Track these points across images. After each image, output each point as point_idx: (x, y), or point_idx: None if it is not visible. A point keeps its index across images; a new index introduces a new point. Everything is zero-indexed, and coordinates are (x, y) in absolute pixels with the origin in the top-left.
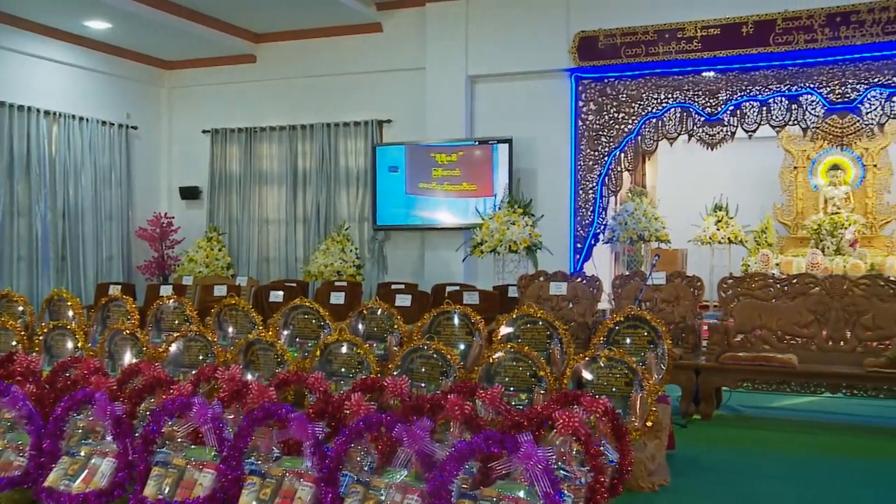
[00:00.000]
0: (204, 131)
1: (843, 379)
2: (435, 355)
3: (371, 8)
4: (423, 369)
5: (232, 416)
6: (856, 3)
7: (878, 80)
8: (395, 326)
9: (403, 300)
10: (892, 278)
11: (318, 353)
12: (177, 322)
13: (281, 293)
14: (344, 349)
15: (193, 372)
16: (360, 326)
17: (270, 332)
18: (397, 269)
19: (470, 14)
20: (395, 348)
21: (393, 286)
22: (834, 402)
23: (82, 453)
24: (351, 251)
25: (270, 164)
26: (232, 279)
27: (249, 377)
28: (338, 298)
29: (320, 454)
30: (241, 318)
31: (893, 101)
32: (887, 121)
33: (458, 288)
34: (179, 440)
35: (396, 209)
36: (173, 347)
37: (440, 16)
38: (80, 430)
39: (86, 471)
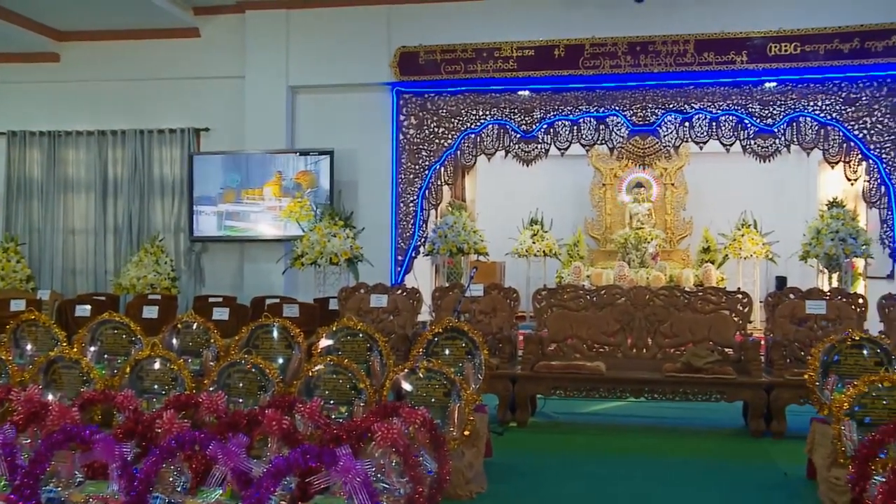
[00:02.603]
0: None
1: (646, 384)
2: (253, 370)
3: (188, 12)
4: (241, 384)
5: (29, 441)
6: (652, 35)
7: (673, 106)
8: (212, 341)
9: (221, 313)
10: (687, 289)
11: (128, 369)
12: None
13: (88, 307)
14: (157, 365)
15: None
16: (174, 341)
17: (75, 349)
18: (215, 282)
19: (291, 24)
20: (211, 363)
21: (210, 299)
22: (638, 405)
23: None
24: (166, 263)
25: (77, 170)
26: (32, 293)
27: (50, 398)
28: (151, 312)
29: (128, 476)
30: (41, 334)
31: (686, 126)
32: (681, 143)
33: (277, 300)
34: None
35: (214, 220)
36: None
37: (260, 24)
38: None
39: None
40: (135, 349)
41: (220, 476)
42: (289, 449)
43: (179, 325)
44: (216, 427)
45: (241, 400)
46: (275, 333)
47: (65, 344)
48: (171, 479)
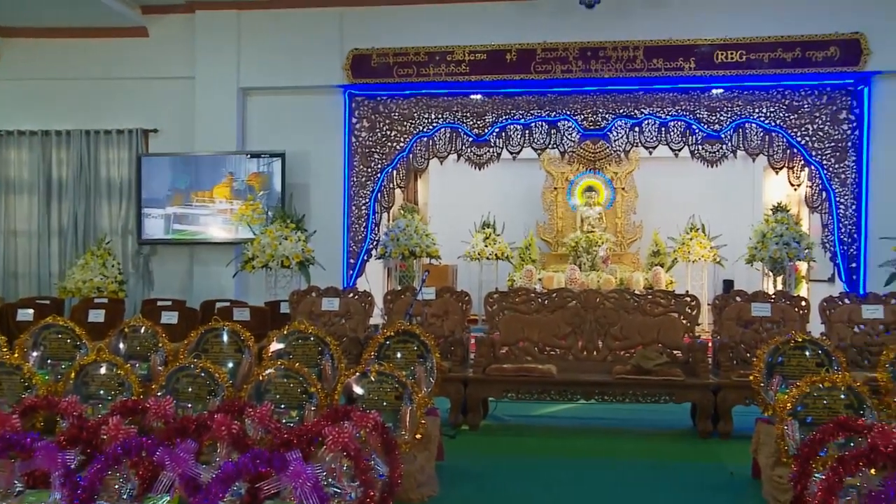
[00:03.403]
0: None
1: (596, 386)
2: (202, 374)
3: (135, 11)
4: (190, 389)
5: None
6: (603, 40)
7: (623, 112)
8: (160, 345)
9: (170, 317)
10: (637, 292)
11: (72, 375)
12: None
13: (31, 311)
14: (103, 370)
15: None
16: (121, 346)
17: (16, 354)
18: (164, 285)
19: (242, 25)
20: (159, 368)
21: (159, 303)
22: (589, 407)
23: None
24: (113, 266)
25: (19, 171)
26: None
27: None
28: (97, 316)
29: (71, 484)
30: None
31: (636, 131)
32: (631, 148)
33: (228, 304)
34: None
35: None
36: None
37: (210, 24)
38: None
39: None
40: (80, 354)
41: (168, 482)
42: (238, 454)
43: (127, 330)
44: (164, 433)
45: (189, 405)
46: (225, 337)
47: (5, 349)
48: (116, 486)
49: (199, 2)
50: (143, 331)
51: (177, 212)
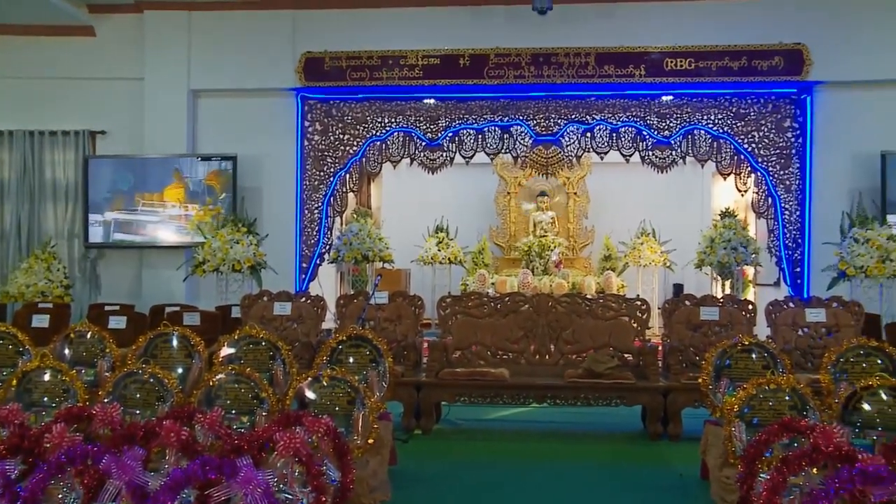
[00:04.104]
0: None
1: (548, 390)
2: (151, 380)
3: (82, 9)
4: (138, 395)
5: None
6: (555, 46)
7: (575, 117)
8: (107, 350)
9: (118, 322)
10: (588, 296)
11: (14, 382)
12: None
13: None
14: (47, 377)
15: None
16: (66, 351)
17: None
18: (112, 290)
19: (192, 26)
20: (106, 374)
21: (106, 307)
22: (541, 411)
23: None
24: (58, 270)
25: None
26: None
27: None
28: (41, 321)
29: (11, 495)
30: None
31: (588, 137)
32: (583, 153)
33: (178, 309)
34: None
35: (110, 225)
36: None
37: (159, 25)
38: None
39: None
40: (22, 360)
41: (115, 491)
42: (188, 461)
43: (72, 335)
44: (111, 440)
45: (138, 411)
46: (174, 342)
47: None
48: (60, 496)
49: (147, 2)
50: (89, 336)
51: (125, 215)
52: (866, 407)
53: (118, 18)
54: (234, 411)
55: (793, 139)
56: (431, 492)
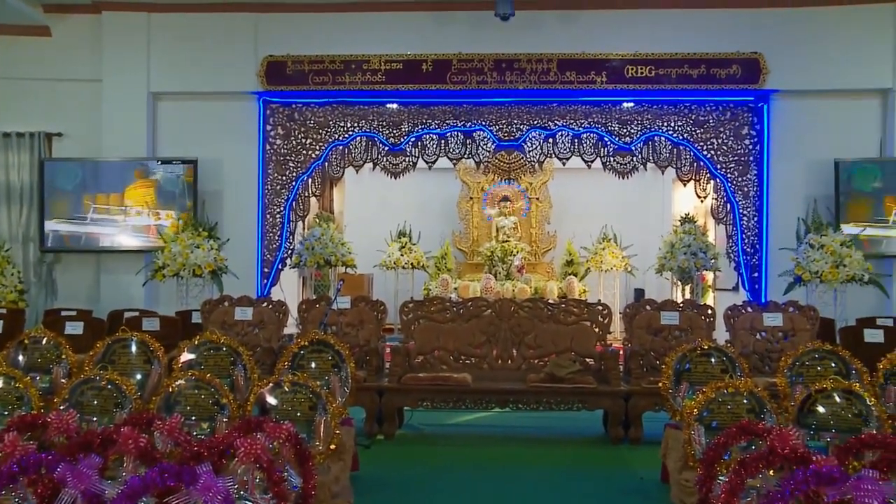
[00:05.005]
0: None
1: (510, 394)
2: (108, 386)
3: (36, 9)
4: (96, 402)
5: None
6: (517, 52)
7: (538, 123)
8: (64, 356)
9: (74, 328)
10: (550, 301)
11: None
12: None
13: None
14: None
15: None
16: (20, 357)
17: None
18: (69, 295)
19: (152, 27)
20: (62, 380)
21: (63, 313)
22: (503, 416)
23: None
24: (12, 275)
25: None
26: None
27: None
28: None
29: None
30: None
31: (550, 142)
32: (546, 159)
33: (137, 314)
34: None
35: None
36: None
37: (118, 26)
38: None
39: None
40: None
41: (70, 500)
42: (146, 468)
43: (27, 341)
44: (66, 448)
45: (95, 418)
46: (133, 348)
47: None
48: None
49: (105, 2)
50: (44, 342)
51: (82, 218)
52: (820, 409)
53: (75, 19)
54: (194, 418)
55: (750, 146)
56: (394, 497)
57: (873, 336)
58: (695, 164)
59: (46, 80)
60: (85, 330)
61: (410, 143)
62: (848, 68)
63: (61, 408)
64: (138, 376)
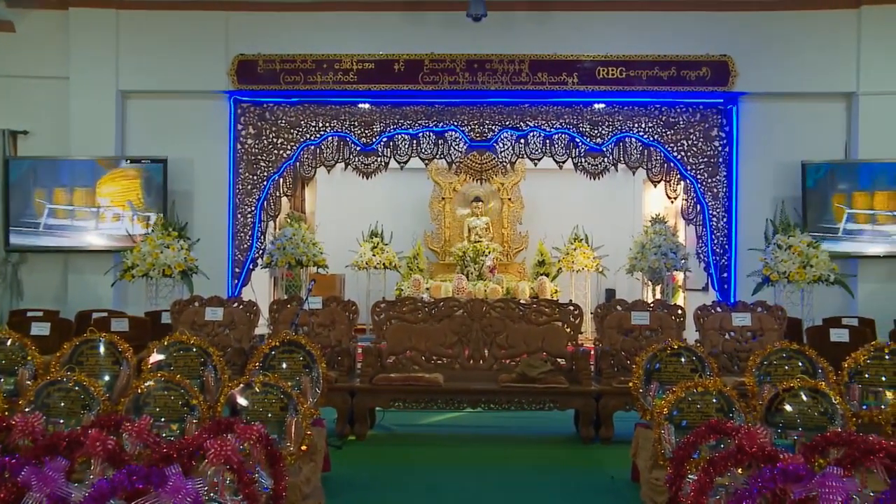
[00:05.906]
0: None
1: (482, 394)
2: (76, 388)
3: (0, 4)
4: (62, 404)
5: None
6: (489, 53)
7: (509, 123)
8: (29, 358)
9: (41, 329)
10: (522, 301)
11: None
12: None
13: None
14: None
15: None
16: None
17: None
18: (35, 295)
19: (121, 25)
20: (28, 382)
21: (29, 313)
22: (475, 416)
23: None
24: None
25: None
26: None
27: None
28: None
29: None
30: None
31: (521, 143)
32: (517, 159)
33: (105, 314)
34: None
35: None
36: None
37: (85, 23)
38: None
39: None
40: None
41: None
42: (114, 470)
43: None
44: (32, 451)
45: (61, 421)
46: (101, 349)
47: None
48: None
49: None
50: (9, 343)
51: (48, 218)
52: (788, 408)
53: (40, 14)
54: (163, 419)
55: (720, 148)
56: (365, 498)
57: (839, 335)
58: (665, 165)
59: (10, 77)
60: (52, 331)
61: (382, 143)
62: (814, 72)
63: (26, 410)
64: (107, 377)
